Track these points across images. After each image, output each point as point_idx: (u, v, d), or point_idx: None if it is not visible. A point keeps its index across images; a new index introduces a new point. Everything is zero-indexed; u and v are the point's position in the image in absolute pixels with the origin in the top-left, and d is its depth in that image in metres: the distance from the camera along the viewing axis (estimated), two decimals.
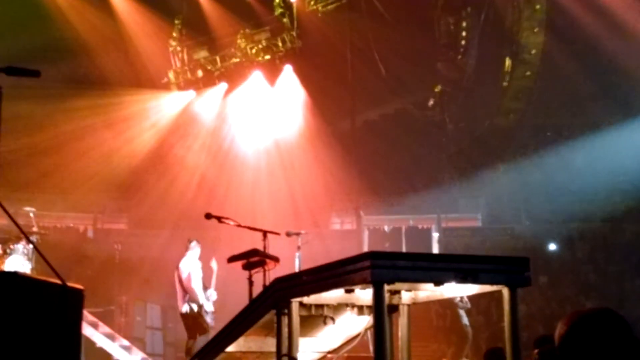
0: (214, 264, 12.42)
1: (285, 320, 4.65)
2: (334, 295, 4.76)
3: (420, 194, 25.61)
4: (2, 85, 4.86)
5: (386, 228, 26.14)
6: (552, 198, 24.15)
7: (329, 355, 5.92)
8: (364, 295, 4.75)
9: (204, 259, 12.44)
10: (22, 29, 22.11)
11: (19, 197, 18.69)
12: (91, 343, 14.07)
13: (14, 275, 4.66)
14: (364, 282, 4.14)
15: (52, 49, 22.68)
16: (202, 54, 24.39)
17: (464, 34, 25.37)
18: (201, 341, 11.27)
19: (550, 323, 17.42)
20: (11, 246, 12.57)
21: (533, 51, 23.79)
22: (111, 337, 14.66)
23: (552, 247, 23.84)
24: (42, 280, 4.67)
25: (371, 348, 4.27)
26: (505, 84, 24.84)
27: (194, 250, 12.34)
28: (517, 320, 4.36)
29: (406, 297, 5.19)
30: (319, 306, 4.90)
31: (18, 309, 4.28)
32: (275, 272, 7.78)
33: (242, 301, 6.12)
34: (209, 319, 12.06)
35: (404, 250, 23.62)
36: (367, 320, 5.07)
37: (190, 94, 25.05)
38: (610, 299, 19.83)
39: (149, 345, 18.02)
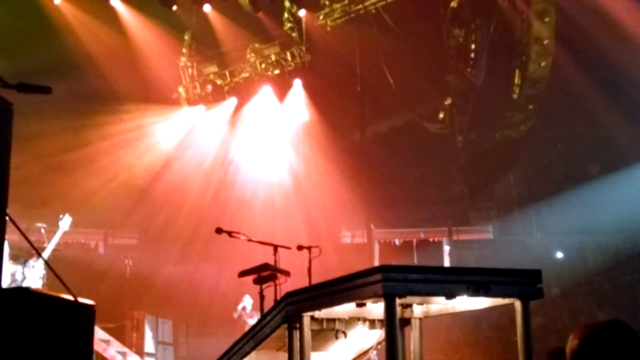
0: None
1: (296, 334, 4.64)
2: (346, 309, 4.75)
3: (430, 207, 25.53)
4: (12, 102, 4.88)
5: (397, 241, 26.06)
6: (563, 209, 24.05)
7: None
8: (376, 309, 4.74)
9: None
10: (32, 46, 22.25)
11: (30, 213, 18.73)
12: (103, 359, 14.07)
13: (26, 291, 4.67)
14: (375, 296, 4.13)
15: (61, 65, 22.80)
16: (212, 69, 24.47)
17: (473, 46, 25.30)
18: None
19: (563, 335, 17.24)
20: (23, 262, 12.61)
21: (543, 63, 23.68)
22: (123, 354, 14.67)
23: (564, 258, 23.70)
24: (54, 295, 4.67)
25: None
26: (515, 95, 24.72)
27: None
28: (530, 333, 4.35)
29: (418, 310, 5.17)
30: (331, 320, 4.89)
31: (30, 325, 4.28)
32: (286, 286, 7.77)
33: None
34: None
35: (415, 263, 23.52)
36: (379, 334, 5.04)
37: (200, 109, 25.13)
38: (624, 310, 19.71)
39: None
